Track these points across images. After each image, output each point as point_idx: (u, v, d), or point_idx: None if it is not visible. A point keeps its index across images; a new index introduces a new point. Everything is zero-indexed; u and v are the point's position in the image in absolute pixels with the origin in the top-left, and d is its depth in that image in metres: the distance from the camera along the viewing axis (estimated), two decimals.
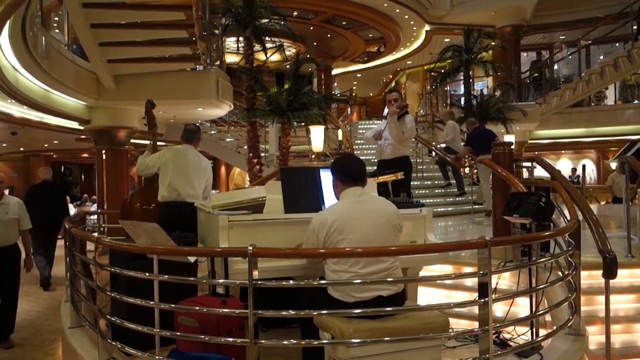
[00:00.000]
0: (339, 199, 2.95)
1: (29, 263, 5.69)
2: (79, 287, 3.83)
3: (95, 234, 6.50)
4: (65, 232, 4.16)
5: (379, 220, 2.82)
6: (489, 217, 7.98)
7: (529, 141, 14.55)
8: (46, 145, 15.81)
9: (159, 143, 5.27)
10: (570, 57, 15.31)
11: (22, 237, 5.70)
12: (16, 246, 5.57)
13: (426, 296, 4.67)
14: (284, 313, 2.64)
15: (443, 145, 10.33)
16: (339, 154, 7.43)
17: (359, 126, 15.53)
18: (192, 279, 3.38)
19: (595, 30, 13.73)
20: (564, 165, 18.82)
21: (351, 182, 2.90)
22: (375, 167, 6.38)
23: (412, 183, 7.16)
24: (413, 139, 7.54)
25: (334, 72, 20.43)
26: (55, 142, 14.86)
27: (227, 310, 2.77)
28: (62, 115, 8.80)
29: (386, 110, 6.25)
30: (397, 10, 14.17)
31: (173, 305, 2.88)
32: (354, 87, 23.98)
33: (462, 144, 9.90)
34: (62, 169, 21.43)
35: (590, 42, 14.35)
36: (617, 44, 14.31)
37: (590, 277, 4.43)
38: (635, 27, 12.59)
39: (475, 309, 2.83)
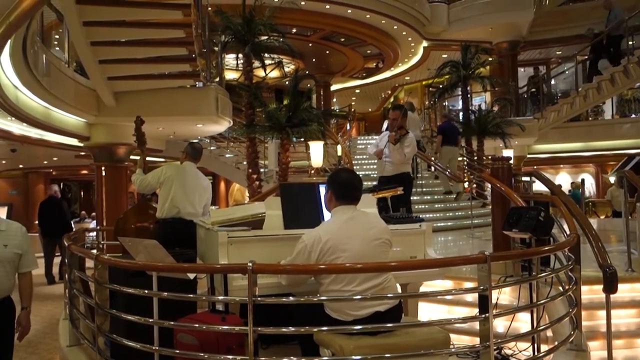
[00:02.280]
0: (331, 213, 2.95)
1: (25, 323, 3.53)
2: (78, 305, 3.82)
3: (94, 251, 6.49)
4: (63, 250, 4.15)
5: (371, 237, 2.82)
6: (451, 195, 10.19)
7: (528, 156, 14.58)
8: (45, 162, 15.81)
9: (158, 159, 5.30)
10: (567, 72, 15.42)
11: (21, 285, 3.60)
12: (11, 300, 3.49)
13: (427, 312, 4.65)
14: (284, 330, 2.62)
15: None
16: (339, 169, 7.44)
17: (358, 141, 15.56)
18: (191, 295, 3.36)
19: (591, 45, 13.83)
20: (563, 179, 18.83)
21: (348, 201, 2.90)
22: (374, 182, 6.40)
23: (411, 198, 7.18)
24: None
25: (333, 88, 20.54)
26: (55, 159, 14.86)
27: (226, 327, 2.76)
28: (62, 132, 8.82)
29: (385, 125, 6.29)
30: (395, 27, 14.30)
31: (172, 323, 2.86)
32: (353, 103, 24.09)
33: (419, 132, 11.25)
34: (62, 186, 21.43)
35: (586, 57, 14.45)
36: None
37: (591, 292, 4.42)
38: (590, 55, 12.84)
39: (476, 325, 2.81)
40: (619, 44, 12.47)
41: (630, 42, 12.50)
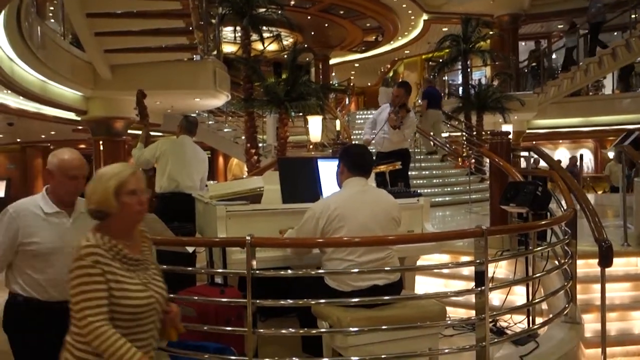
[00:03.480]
0: (342, 186, 2.97)
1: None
2: None
3: None
4: None
5: (380, 211, 2.84)
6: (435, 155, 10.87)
7: (527, 131, 14.54)
8: (43, 136, 15.73)
9: (156, 133, 5.28)
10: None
11: None
12: None
13: (424, 285, 4.69)
14: (282, 302, 2.66)
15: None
16: (338, 144, 7.43)
17: (357, 116, 15.50)
18: (190, 269, 3.39)
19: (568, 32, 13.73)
20: (562, 154, 18.82)
21: (358, 172, 2.93)
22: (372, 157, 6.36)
23: (410, 173, 7.17)
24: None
25: (332, 61, 20.35)
26: (52, 133, 14.79)
27: (225, 299, 2.79)
28: (59, 106, 8.76)
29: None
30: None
31: (172, 295, 2.88)
32: (352, 77, 23.89)
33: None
34: None
35: (587, 31, 14.29)
36: (616, 33, 14.26)
37: (587, 266, 4.46)
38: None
39: (472, 298, 2.85)
40: (599, 31, 12.74)
41: (634, 16, 12.36)
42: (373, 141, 5.95)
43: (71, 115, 9.76)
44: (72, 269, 1.74)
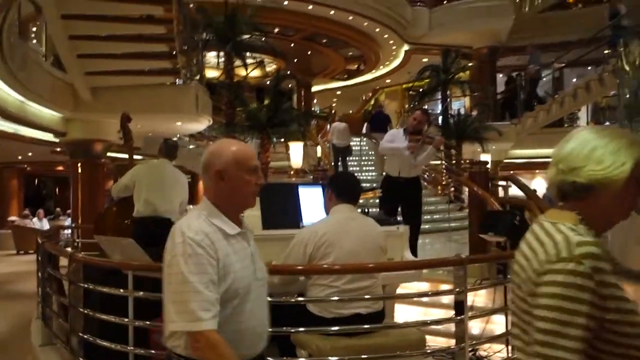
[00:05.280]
0: (330, 213, 2.97)
1: None
2: (51, 304, 3.75)
3: (69, 249, 6.38)
4: (37, 247, 4.08)
5: (367, 239, 2.85)
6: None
7: (505, 160, 14.79)
8: (20, 157, 15.49)
9: (136, 157, 5.23)
10: (544, 79, 15.69)
11: None
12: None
13: (403, 313, 4.68)
14: None
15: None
16: (319, 171, 7.47)
17: None
18: None
19: (568, 53, 14.13)
20: (539, 184, 19.15)
21: (346, 199, 2.94)
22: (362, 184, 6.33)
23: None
24: None
25: (314, 89, 20.54)
26: (30, 154, 14.58)
27: None
28: (37, 126, 8.66)
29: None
30: (377, 30, 14.39)
31: (148, 323, 2.83)
32: (334, 104, 24.14)
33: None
34: (36, 182, 21.00)
35: (563, 65, 14.73)
36: (589, 68, 14.72)
37: None
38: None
39: (452, 326, 2.85)
40: (536, 86, 13.57)
41: (606, 51, 12.79)
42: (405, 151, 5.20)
43: (49, 137, 9.65)
44: (552, 270, 1.08)
